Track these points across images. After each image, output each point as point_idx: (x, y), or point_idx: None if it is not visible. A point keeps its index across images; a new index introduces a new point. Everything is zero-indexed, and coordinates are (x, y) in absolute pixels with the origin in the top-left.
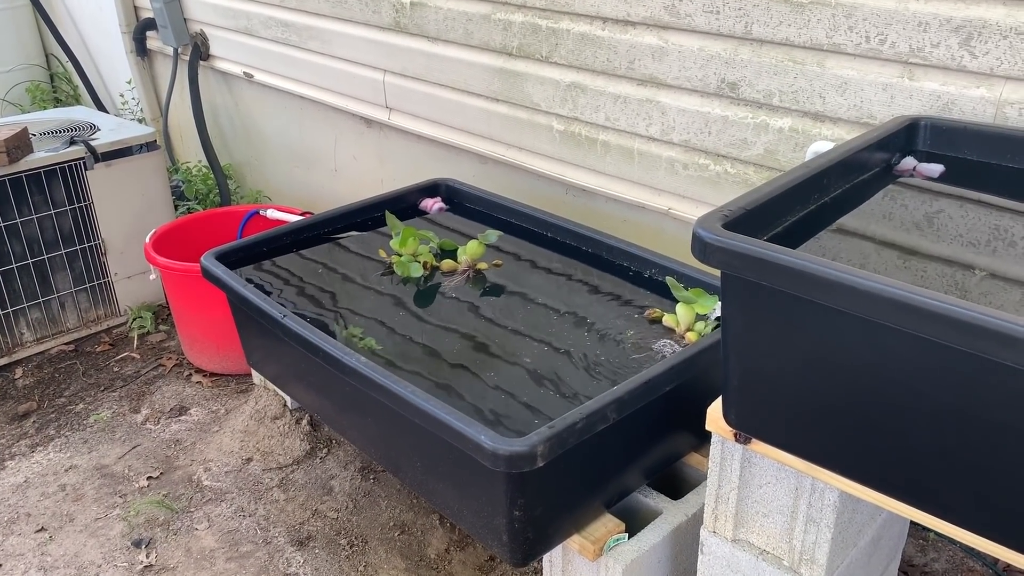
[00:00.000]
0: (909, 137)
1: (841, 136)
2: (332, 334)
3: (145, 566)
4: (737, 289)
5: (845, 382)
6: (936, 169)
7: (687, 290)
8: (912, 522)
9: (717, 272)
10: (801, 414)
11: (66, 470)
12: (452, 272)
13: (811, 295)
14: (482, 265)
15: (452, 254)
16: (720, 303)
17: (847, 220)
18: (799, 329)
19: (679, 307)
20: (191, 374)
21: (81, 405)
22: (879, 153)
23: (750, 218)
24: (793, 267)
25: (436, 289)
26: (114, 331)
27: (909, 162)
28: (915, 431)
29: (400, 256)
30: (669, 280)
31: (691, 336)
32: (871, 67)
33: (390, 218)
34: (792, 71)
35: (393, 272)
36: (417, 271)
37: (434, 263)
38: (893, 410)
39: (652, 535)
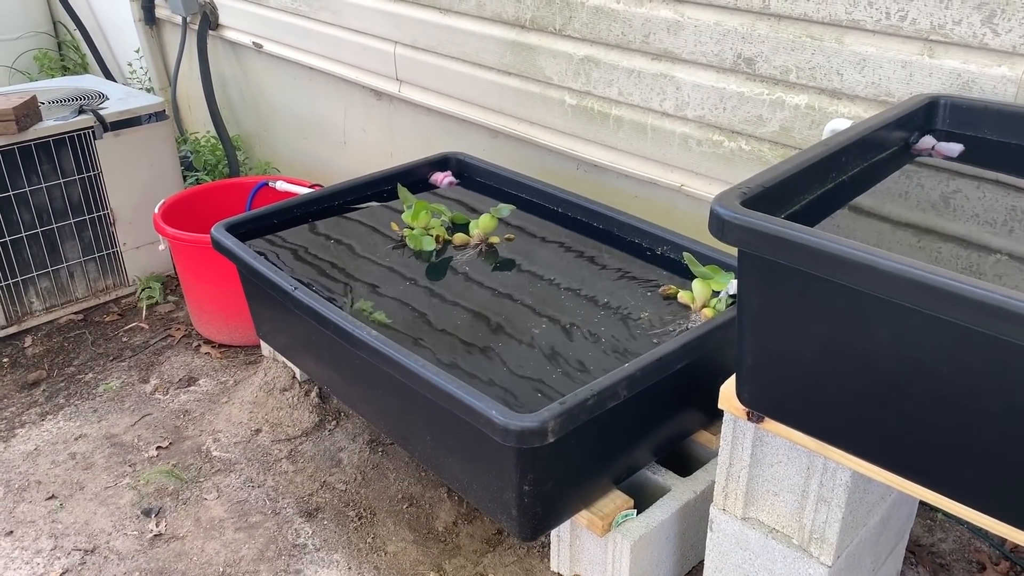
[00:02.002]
0: (928, 116)
1: (858, 114)
2: (343, 307)
3: (155, 535)
4: (754, 268)
5: (861, 362)
6: (955, 148)
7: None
8: (920, 502)
9: (730, 249)
10: (815, 394)
11: (76, 439)
12: (464, 246)
13: (830, 274)
14: (494, 239)
15: (464, 228)
16: (735, 281)
17: (864, 199)
18: (816, 308)
19: (696, 283)
20: (200, 345)
21: (90, 374)
22: (898, 132)
23: (768, 196)
24: (812, 246)
25: (448, 263)
26: (123, 301)
27: (928, 141)
28: (929, 412)
29: (412, 229)
30: (686, 256)
31: (707, 312)
32: (891, 44)
33: (402, 191)
34: (810, 47)
35: (405, 245)
36: (430, 244)
37: (446, 237)
38: (908, 390)
39: (660, 511)
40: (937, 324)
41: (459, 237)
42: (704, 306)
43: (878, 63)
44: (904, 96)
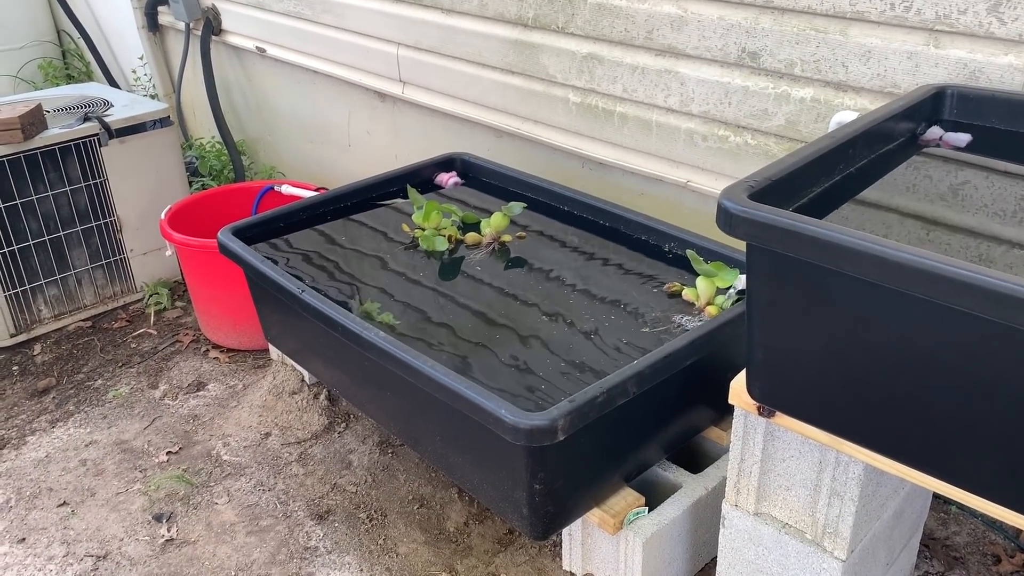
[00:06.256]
0: (935, 106)
1: (864, 106)
2: (352, 308)
3: (166, 540)
4: (763, 261)
5: (872, 354)
6: (963, 139)
7: (707, 263)
8: (934, 495)
9: (737, 244)
10: (826, 387)
11: (86, 445)
12: (476, 245)
13: (840, 266)
14: (506, 237)
15: (475, 227)
16: (744, 276)
17: (871, 191)
18: (826, 301)
19: (699, 280)
20: (208, 350)
21: (100, 381)
22: (904, 123)
23: (775, 189)
24: (822, 238)
25: (461, 262)
26: (131, 307)
27: (935, 132)
28: (943, 403)
29: (424, 230)
30: (690, 253)
31: (711, 310)
32: (896, 35)
33: (412, 192)
34: (814, 40)
35: (417, 246)
36: (443, 245)
37: (458, 236)
38: (920, 382)
39: (672, 509)
40: (948, 314)
41: (471, 236)
42: (708, 303)
43: (883, 54)
44: (910, 87)
